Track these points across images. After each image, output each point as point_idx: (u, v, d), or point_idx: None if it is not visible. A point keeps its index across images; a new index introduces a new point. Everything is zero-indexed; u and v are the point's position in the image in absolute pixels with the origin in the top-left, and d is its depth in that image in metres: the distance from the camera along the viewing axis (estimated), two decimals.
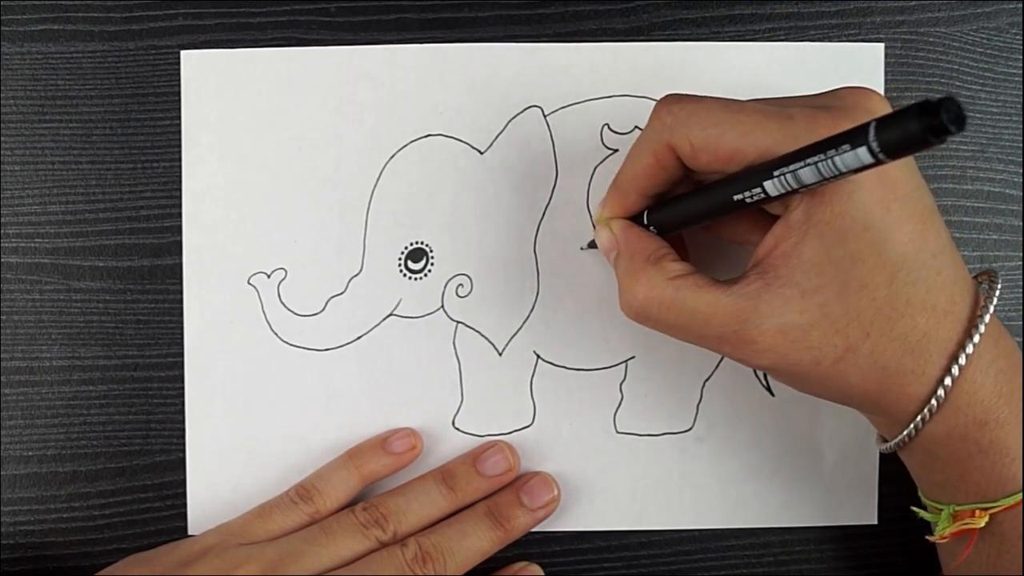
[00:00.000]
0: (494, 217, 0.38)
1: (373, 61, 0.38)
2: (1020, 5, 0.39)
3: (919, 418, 0.29)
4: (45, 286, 0.38)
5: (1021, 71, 0.39)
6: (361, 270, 0.38)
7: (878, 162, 0.24)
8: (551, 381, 0.38)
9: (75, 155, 0.38)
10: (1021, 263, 0.39)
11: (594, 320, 0.38)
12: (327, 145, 0.38)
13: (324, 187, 0.38)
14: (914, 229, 0.28)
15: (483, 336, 0.38)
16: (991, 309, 0.29)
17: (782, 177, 0.27)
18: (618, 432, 0.38)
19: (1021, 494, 0.29)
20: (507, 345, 0.38)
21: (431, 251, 0.38)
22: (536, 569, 0.38)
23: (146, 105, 0.38)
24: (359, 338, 0.38)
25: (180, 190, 0.38)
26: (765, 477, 0.38)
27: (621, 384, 0.38)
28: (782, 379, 0.31)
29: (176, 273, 0.38)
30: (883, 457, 0.37)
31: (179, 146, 0.38)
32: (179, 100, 0.38)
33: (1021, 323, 0.39)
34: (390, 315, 0.38)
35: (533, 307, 0.38)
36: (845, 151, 0.24)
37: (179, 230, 0.38)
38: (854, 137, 0.24)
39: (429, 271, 0.38)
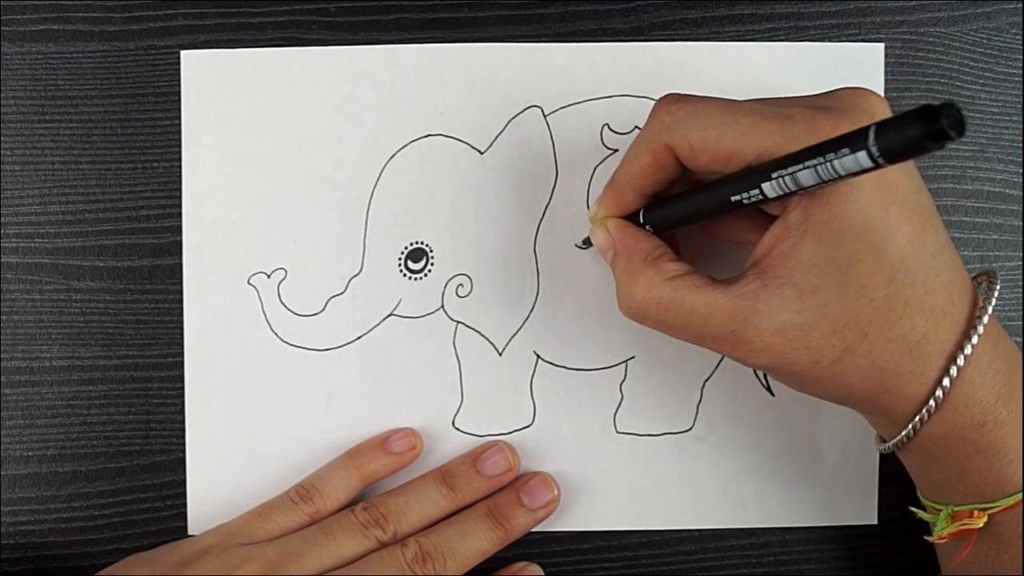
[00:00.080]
0: (494, 217, 0.38)
1: (373, 61, 0.38)
2: (1020, 5, 0.39)
3: (917, 419, 0.29)
4: (45, 286, 0.38)
5: (1021, 71, 0.39)
6: (361, 270, 0.38)
7: (877, 166, 0.24)
8: (551, 381, 0.38)
9: (75, 155, 0.38)
10: (1021, 263, 0.39)
11: (594, 320, 0.38)
12: (327, 145, 0.38)
13: (324, 187, 0.38)
14: (913, 230, 0.28)
15: (483, 336, 0.38)
16: (989, 310, 0.29)
17: (780, 179, 0.26)
18: (618, 432, 0.38)
19: (1020, 494, 0.29)
20: (507, 345, 0.38)
21: (431, 251, 0.38)
22: (536, 569, 0.38)
23: (146, 105, 0.38)
24: (359, 338, 0.38)
25: (180, 190, 0.38)
26: (765, 477, 0.38)
27: (621, 384, 0.38)
28: (780, 379, 0.31)
29: (176, 273, 0.38)
30: (883, 457, 0.37)
31: (179, 146, 0.38)
32: (179, 100, 0.38)
33: (1021, 323, 0.39)
34: (390, 315, 0.38)
35: (533, 307, 0.38)
36: (844, 155, 0.24)
37: (179, 230, 0.38)
38: (853, 141, 0.24)
39: (429, 271, 0.38)
